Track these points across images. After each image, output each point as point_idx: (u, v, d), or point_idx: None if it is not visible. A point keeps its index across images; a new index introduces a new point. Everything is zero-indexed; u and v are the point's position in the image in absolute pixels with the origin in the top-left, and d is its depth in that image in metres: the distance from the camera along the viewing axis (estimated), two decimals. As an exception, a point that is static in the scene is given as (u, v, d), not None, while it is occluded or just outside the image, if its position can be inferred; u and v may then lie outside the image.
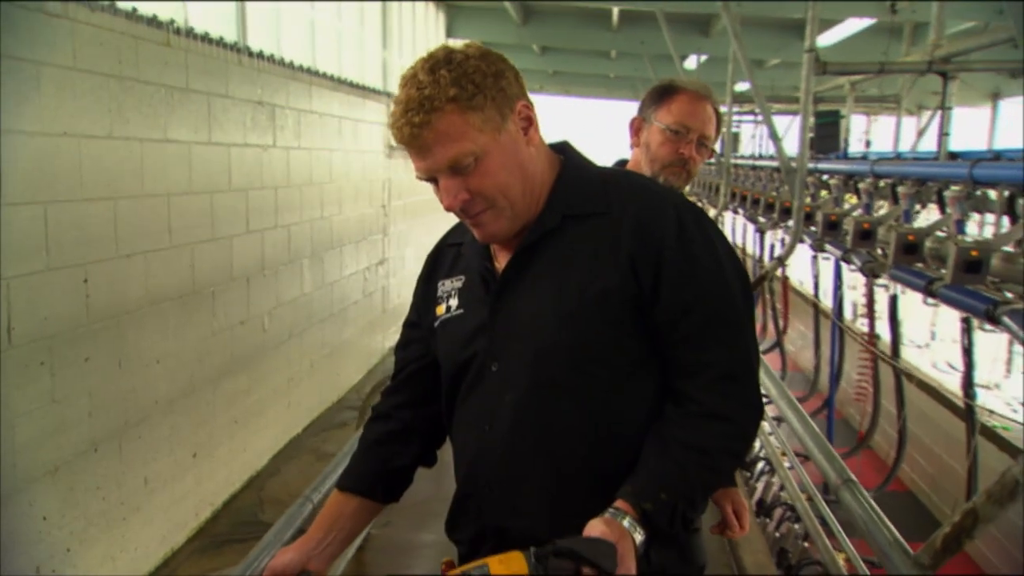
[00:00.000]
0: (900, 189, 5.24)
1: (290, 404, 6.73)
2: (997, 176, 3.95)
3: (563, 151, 1.46)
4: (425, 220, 10.59)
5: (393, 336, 9.72)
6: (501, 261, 1.44)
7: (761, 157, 10.97)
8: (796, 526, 4.94)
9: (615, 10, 10.64)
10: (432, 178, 1.34)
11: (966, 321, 4.98)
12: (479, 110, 1.30)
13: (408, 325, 1.65)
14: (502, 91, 1.32)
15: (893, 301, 6.00)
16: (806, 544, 4.74)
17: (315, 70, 6.93)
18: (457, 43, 1.35)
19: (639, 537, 1.22)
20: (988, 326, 4.06)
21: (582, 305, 1.33)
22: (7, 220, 3.43)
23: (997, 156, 4.51)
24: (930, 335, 10.32)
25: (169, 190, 4.65)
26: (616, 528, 1.20)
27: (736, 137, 12.40)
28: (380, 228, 9.06)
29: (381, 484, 1.60)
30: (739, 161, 10.60)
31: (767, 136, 12.79)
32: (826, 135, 7.95)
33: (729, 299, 1.35)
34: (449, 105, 1.28)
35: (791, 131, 13.24)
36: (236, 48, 5.47)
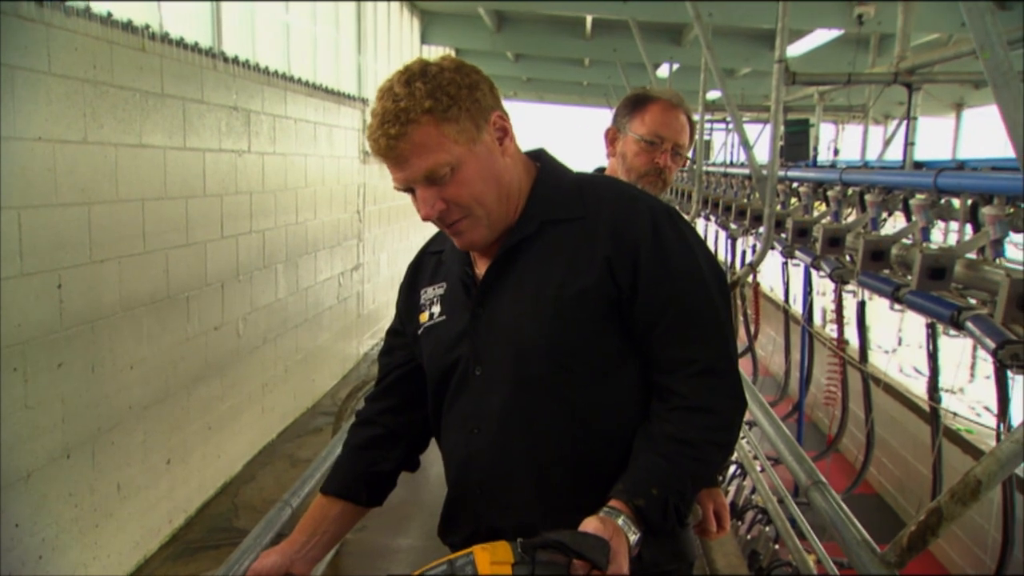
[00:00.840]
0: (868, 197, 5.35)
1: (264, 410, 6.70)
2: (960, 185, 4.06)
3: (539, 158, 1.51)
4: (399, 225, 10.61)
5: (368, 341, 9.77)
6: (481, 267, 1.48)
7: (732, 164, 11.11)
8: (767, 528, 5.01)
9: (588, 18, 10.74)
10: (409, 188, 1.38)
11: (931, 327, 5.09)
12: (454, 121, 1.33)
13: (391, 332, 1.70)
14: (476, 103, 1.36)
15: (861, 307, 6.12)
16: (776, 546, 4.82)
17: (290, 76, 6.93)
18: (433, 56, 1.39)
19: (633, 536, 1.24)
20: (952, 331, 4.17)
21: (560, 306, 1.37)
22: (-19, 225, 3.42)
23: (961, 166, 4.63)
24: (897, 340, 10.51)
25: (144, 195, 4.63)
26: (610, 526, 1.22)
27: (708, 145, 12.53)
28: (355, 233, 9.06)
29: (365, 488, 1.63)
30: (711, 168, 10.72)
31: (738, 144, 12.97)
32: (795, 143, 8.09)
33: (706, 295, 1.39)
34: (424, 117, 1.32)
35: (762, 139, 13.42)
36: (211, 53, 5.47)
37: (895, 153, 8.02)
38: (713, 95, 11.77)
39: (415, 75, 1.34)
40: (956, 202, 4.62)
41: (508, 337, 1.41)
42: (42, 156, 3.79)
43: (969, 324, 3.74)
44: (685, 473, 1.32)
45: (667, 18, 9.34)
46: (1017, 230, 3.80)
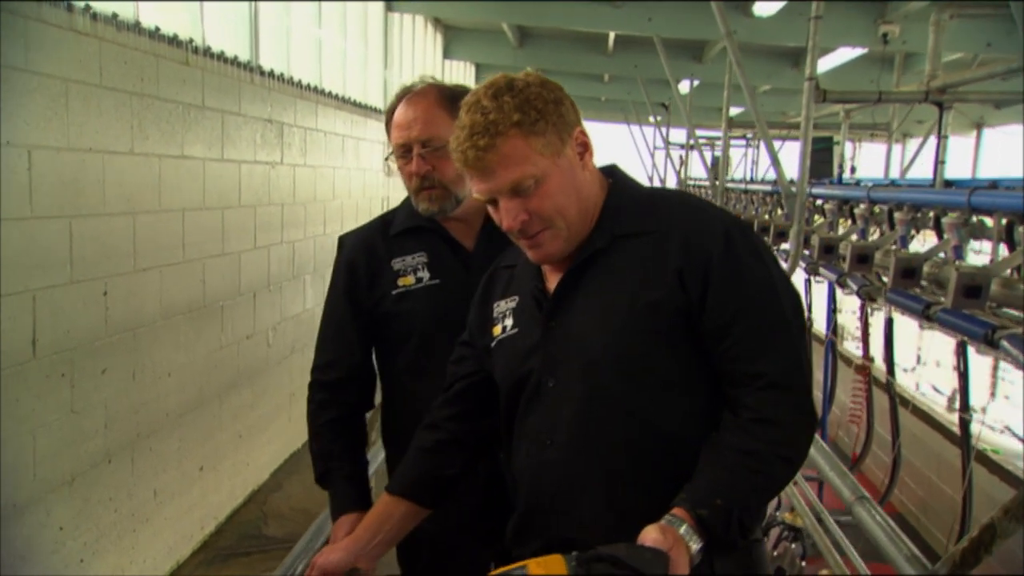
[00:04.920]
0: (897, 215, 5.37)
1: (291, 419, 6.75)
2: (996, 204, 4.08)
3: (612, 173, 1.54)
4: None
5: (389, 353, 9.83)
6: (552, 281, 1.52)
7: (752, 181, 11.13)
8: (793, 546, 5.02)
9: (611, 35, 10.81)
10: (492, 199, 1.42)
11: (961, 345, 5.10)
12: (541, 135, 1.38)
13: (462, 343, 1.73)
14: (561, 117, 1.40)
15: (889, 325, 6.12)
16: (804, 563, 4.82)
17: (321, 89, 7.02)
18: (517, 73, 1.43)
19: (695, 545, 1.24)
20: (986, 349, 4.19)
21: (630, 318, 1.40)
22: (35, 233, 3.49)
23: (994, 184, 4.65)
24: (916, 359, 10.47)
25: (184, 205, 4.71)
26: (671, 535, 1.23)
27: (723, 161, 12.56)
28: (378, 245, 9.11)
29: (429, 490, 1.67)
30: (731, 185, 10.75)
31: (758, 160, 13.00)
32: (819, 160, 8.11)
33: (777, 308, 1.40)
34: (513, 130, 1.36)
35: (782, 156, 13.43)
36: (248, 67, 5.56)
37: (915, 172, 8.07)
38: (734, 111, 11.84)
39: (502, 89, 1.38)
40: (988, 221, 4.66)
41: (579, 349, 1.44)
42: (92, 167, 3.87)
43: (1005, 343, 3.76)
44: (750, 485, 1.33)
45: (691, 35, 9.39)
46: (1054, 250, 3.83)
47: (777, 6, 7.45)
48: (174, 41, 4.53)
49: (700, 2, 8.32)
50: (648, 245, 1.44)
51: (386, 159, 1.88)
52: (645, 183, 1.97)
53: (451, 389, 1.72)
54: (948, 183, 5.24)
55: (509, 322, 1.57)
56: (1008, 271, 3.96)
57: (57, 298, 3.65)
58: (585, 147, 1.46)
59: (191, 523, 5.09)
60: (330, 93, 7.27)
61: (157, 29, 4.34)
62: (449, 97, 1.78)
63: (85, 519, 3.98)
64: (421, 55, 11.39)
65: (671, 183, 16.20)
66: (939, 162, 5.30)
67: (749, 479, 1.33)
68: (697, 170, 13.96)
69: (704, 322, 1.39)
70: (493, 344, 1.60)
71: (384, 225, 1.92)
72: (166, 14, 4.50)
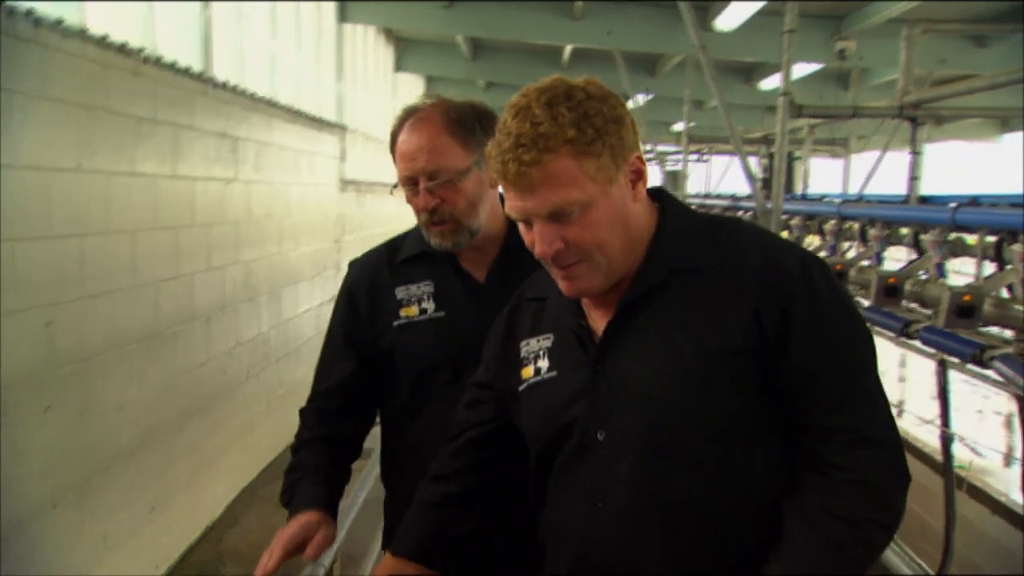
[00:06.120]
0: (871, 231, 5.32)
1: (246, 448, 6.42)
2: (984, 221, 4.03)
3: (660, 198, 1.36)
4: (375, 255, 10.35)
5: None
6: (596, 318, 1.33)
7: (708, 196, 11.13)
8: None
9: (567, 48, 10.71)
10: (526, 220, 1.24)
11: (942, 364, 5.04)
12: (595, 157, 1.20)
13: (477, 385, 1.53)
14: (621, 140, 1.23)
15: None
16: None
17: (275, 102, 6.74)
18: (575, 80, 1.24)
19: None
20: (973, 368, 4.10)
21: (700, 363, 1.23)
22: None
23: (975, 201, 4.61)
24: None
25: (136, 226, 4.39)
26: None
27: (681, 175, 12.56)
28: (333, 263, 8.82)
29: (438, 551, 1.48)
30: (689, 200, 10.74)
31: (707, 175, 13.06)
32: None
33: (862, 356, 1.26)
34: (565, 147, 1.18)
35: (730, 171, 13.55)
36: (202, 78, 5.26)
37: (873, 187, 8.13)
38: (679, 127, 11.85)
39: (559, 98, 1.20)
40: (968, 238, 4.61)
41: (639, 398, 1.26)
42: (35, 185, 3.55)
43: (998, 364, 3.68)
44: (849, 557, 1.18)
45: (650, 48, 9.34)
46: (1047, 268, 3.77)
47: (738, 21, 7.41)
48: (124, 50, 4.22)
49: (660, 16, 8.30)
50: (713, 281, 1.26)
51: (392, 189, 1.69)
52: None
53: (462, 436, 1.52)
54: (923, 199, 5.22)
55: (544, 363, 1.38)
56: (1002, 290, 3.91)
57: (-2, 330, 3.32)
58: (639, 175, 1.27)
59: (144, 566, 4.73)
60: (284, 106, 6.99)
61: (106, 37, 4.03)
62: (457, 120, 1.62)
63: (29, 567, 3.63)
64: (374, 68, 11.14)
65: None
66: (913, 178, 5.28)
67: (850, 551, 1.17)
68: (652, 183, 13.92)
69: (785, 370, 1.22)
70: (522, 388, 1.40)
71: (392, 250, 1.78)
72: (115, 21, 4.19)
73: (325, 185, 8.38)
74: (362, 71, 10.45)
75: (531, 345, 1.41)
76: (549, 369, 1.37)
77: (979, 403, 9.20)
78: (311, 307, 8.06)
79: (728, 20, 7.42)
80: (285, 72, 7.27)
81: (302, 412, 1.78)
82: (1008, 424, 7.64)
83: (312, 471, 1.67)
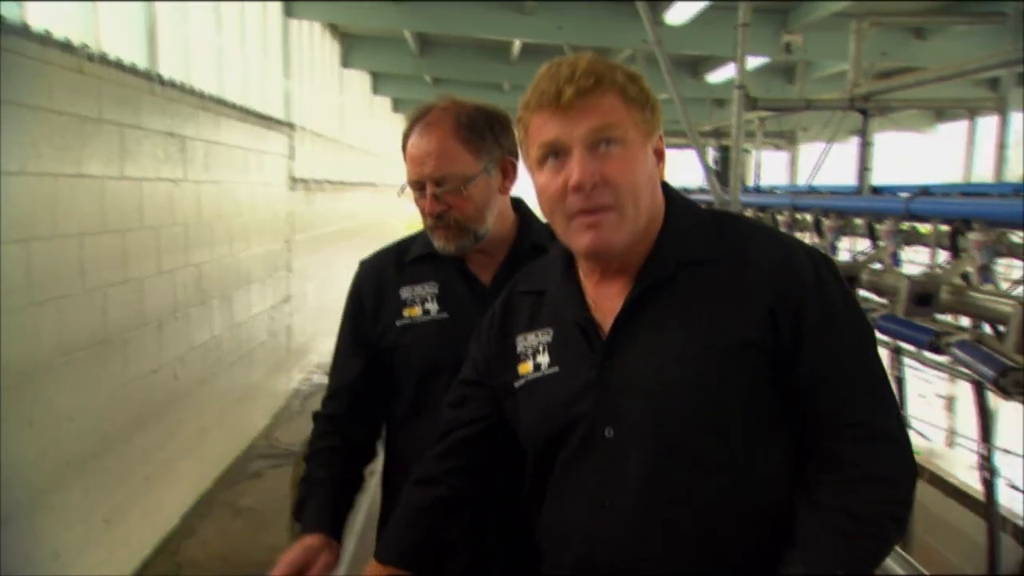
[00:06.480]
0: (826, 222, 5.41)
1: (201, 456, 6.26)
2: (940, 211, 4.11)
3: (665, 191, 1.35)
4: (325, 255, 10.22)
5: (297, 376, 9.34)
6: (601, 312, 1.30)
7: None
8: None
9: (517, 43, 10.67)
10: (555, 152, 1.23)
11: (896, 352, 5.15)
12: (640, 109, 1.24)
13: (465, 383, 1.50)
14: (655, 113, 1.27)
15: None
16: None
17: (223, 99, 6.57)
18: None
19: None
20: (929, 356, 4.18)
21: (714, 361, 1.22)
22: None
23: (925, 191, 4.71)
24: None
25: (83, 229, 4.23)
26: None
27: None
28: (284, 264, 8.66)
29: (427, 557, 1.45)
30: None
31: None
32: (727, 168, 8.21)
33: (871, 351, 1.27)
34: (617, 88, 1.22)
35: (679, 164, 13.68)
36: (148, 76, 5.09)
37: (821, 179, 8.28)
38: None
39: (614, 65, 1.27)
40: (921, 227, 4.72)
41: (649, 394, 1.24)
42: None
43: (955, 350, 3.75)
44: (868, 553, 1.18)
45: (602, 43, 9.35)
46: (1002, 255, 3.87)
47: (689, 14, 7.46)
48: (67, 47, 4.05)
49: (611, 10, 8.31)
50: (722, 275, 1.25)
51: (400, 191, 1.69)
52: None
53: (450, 437, 1.48)
54: (875, 189, 5.32)
55: (544, 359, 1.34)
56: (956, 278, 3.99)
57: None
58: (661, 156, 1.29)
59: (99, 582, 4.57)
60: (232, 104, 6.81)
61: (48, 33, 3.87)
62: (468, 125, 1.61)
63: (-21, 593, 3.48)
64: (320, 64, 10.95)
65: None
66: (864, 168, 5.38)
67: (867, 546, 1.18)
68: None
69: (797, 368, 1.22)
70: (519, 384, 1.36)
71: (400, 251, 1.79)
72: (57, 17, 4.02)
73: (274, 184, 8.21)
74: (309, 68, 10.28)
75: (529, 340, 1.38)
76: (550, 365, 1.34)
77: (921, 388, 9.46)
78: (263, 309, 7.90)
79: (678, 14, 7.46)
80: (232, 69, 7.09)
81: (315, 416, 1.78)
82: (950, 406, 7.87)
83: (319, 486, 1.65)
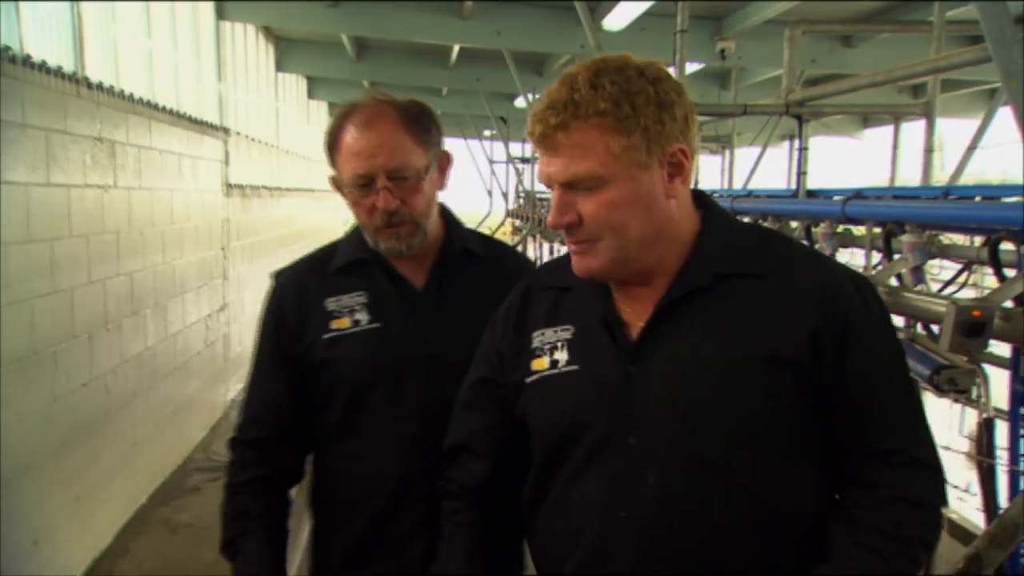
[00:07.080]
0: (764, 225, 5.50)
1: (135, 471, 6.06)
2: (874, 213, 4.20)
3: (701, 201, 1.34)
4: (263, 262, 10.01)
5: (235, 387, 9.12)
6: (630, 314, 1.28)
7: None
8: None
9: (455, 48, 10.63)
10: (548, 184, 1.24)
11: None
12: (624, 135, 1.18)
13: (479, 382, 1.44)
14: (660, 125, 1.20)
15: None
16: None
17: (154, 103, 6.38)
18: (639, 58, 1.22)
19: None
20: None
21: (745, 375, 1.20)
22: None
23: (858, 194, 4.81)
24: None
25: (7, 238, 4.05)
26: None
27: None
28: (220, 272, 8.46)
29: (496, 567, 1.44)
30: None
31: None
32: (665, 173, 8.31)
33: (908, 377, 1.29)
34: (594, 118, 1.18)
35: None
36: (75, 79, 4.91)
37: (753, 182, 8.44)
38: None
39: (608, 71, 1.19)
40: (855, 229, 4.82)
41: (674, 405, 1.21)
42: None
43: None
44: (898, 573, 1.20)
45: (541, 48, 9.38)
46: (934, 256, 3.98)
47: (626, 21, 7.52)
48: (-13, 49, 3.88)
49: (549, 16, 8.33)
50: (763, 291, 1.24)
51: (346, 191, 1.58)
52: (485, 197, 1.76)
53: (477, 445, 1.41)
54: (811, 193, 5.42)
55: (562, 356, 1.31)
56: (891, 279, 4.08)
57: None
58: (679, 170, 1.24)
59: (28, 607, 4.38)
60: (164, 108, 6.63)
61: (-34, 34, 3.70)
62: (413, 119, 1.56)
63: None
64: (255, 68, 10.74)
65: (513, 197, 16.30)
66: (801, 172, 5.47)
67: (898, 566, 1.19)
68: (539, 184, 14.06)
69: (836, 391, 1.21)
70: (531, 380, 1.32)
71: (322, 259, 1.68)
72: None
73: (209, 190, 8.01)
74: (243, 72, 10.07)
75: (547, 335, 1.34)
76: (569, 363, 1.30)
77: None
78: (199, 318, 7.70)
79: (616, 20, 7.51)
80: (163, 73, 6.90)
81: (234, 444, 1.66)
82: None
83: (256, 523, 1.57)
